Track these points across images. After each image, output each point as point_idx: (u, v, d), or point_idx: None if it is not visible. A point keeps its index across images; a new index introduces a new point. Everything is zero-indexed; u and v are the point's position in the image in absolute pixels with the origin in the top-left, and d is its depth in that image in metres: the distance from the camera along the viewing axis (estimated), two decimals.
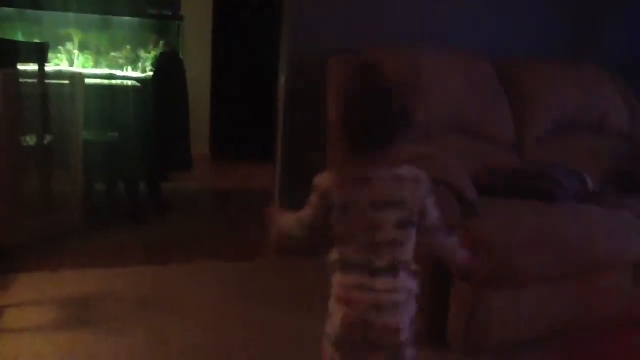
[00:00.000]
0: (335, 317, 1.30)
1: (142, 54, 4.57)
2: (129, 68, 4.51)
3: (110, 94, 3.64)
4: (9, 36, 3.99)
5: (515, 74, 2.96)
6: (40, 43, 3.13)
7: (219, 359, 1.98)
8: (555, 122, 2.93)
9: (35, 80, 2.94)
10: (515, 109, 2.88)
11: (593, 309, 2.13)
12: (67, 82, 3.13)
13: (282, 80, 3.05)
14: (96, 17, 4.38)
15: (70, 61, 4.33)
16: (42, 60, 2.98)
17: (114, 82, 4.03)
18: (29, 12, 4.24)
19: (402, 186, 1.27)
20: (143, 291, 2.47)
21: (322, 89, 2.82)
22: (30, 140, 2.96)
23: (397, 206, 1.26)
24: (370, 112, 1.24)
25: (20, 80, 2.81)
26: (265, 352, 2.05)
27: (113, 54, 4.50)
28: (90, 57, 4.43)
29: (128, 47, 4.54)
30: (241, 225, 3.50)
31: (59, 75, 3.55)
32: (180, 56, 4.18)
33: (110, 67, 4.45)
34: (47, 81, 2.99)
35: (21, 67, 2.88)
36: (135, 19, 4.52)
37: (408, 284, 1.29)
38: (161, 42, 4.56)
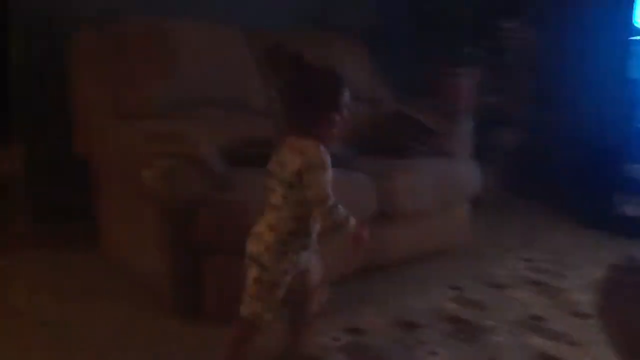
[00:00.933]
0: None
1: None
2: None
3: None
4: None
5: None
6: None
7: None
8: None
9: None
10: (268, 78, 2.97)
11: (343, 260, 2.27)
12: None
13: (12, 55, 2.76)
14: None
15: None
16: None
17: None
18: None
19: (289, 153, 1.66)
20: None
21: (60, 63, 2.63)
22: None
23: (283, 166, 1.67)
24: (289, 97, 1.73)
25: None
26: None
27: None
28: None
29: None
30: None
31: None
32: None
33: None
34: None
35: None
36: None
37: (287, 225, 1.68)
38: None
